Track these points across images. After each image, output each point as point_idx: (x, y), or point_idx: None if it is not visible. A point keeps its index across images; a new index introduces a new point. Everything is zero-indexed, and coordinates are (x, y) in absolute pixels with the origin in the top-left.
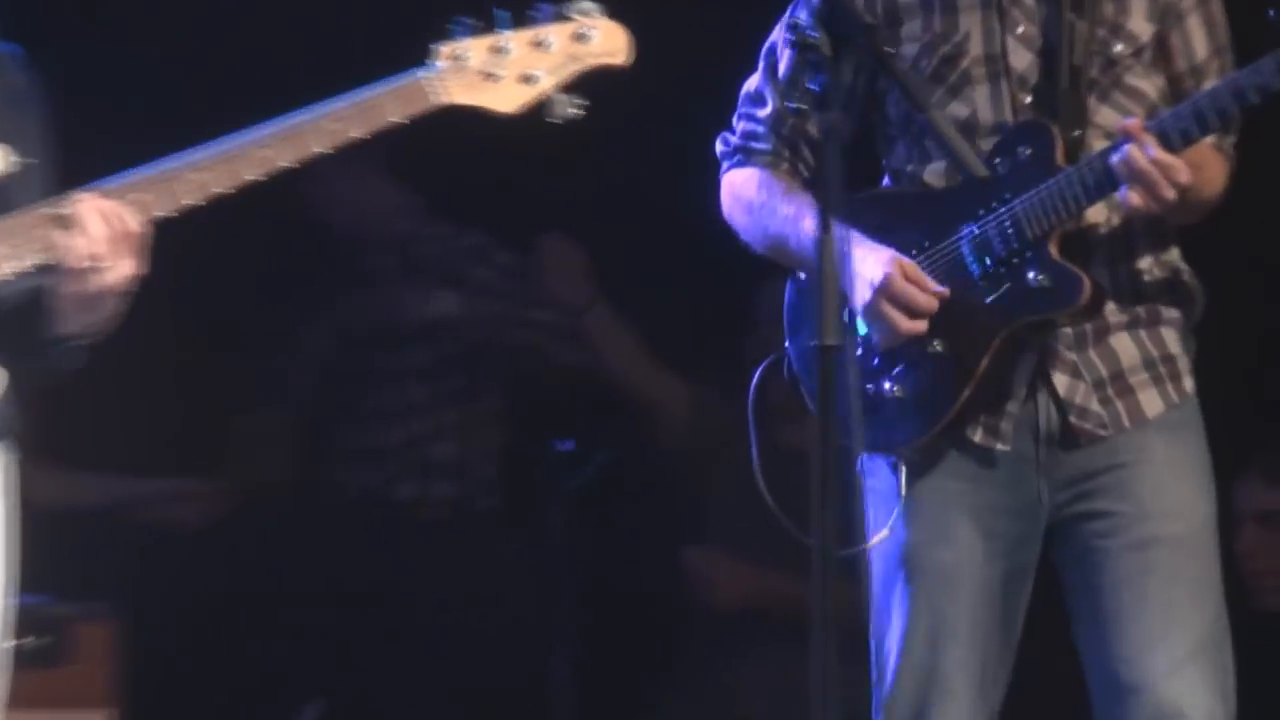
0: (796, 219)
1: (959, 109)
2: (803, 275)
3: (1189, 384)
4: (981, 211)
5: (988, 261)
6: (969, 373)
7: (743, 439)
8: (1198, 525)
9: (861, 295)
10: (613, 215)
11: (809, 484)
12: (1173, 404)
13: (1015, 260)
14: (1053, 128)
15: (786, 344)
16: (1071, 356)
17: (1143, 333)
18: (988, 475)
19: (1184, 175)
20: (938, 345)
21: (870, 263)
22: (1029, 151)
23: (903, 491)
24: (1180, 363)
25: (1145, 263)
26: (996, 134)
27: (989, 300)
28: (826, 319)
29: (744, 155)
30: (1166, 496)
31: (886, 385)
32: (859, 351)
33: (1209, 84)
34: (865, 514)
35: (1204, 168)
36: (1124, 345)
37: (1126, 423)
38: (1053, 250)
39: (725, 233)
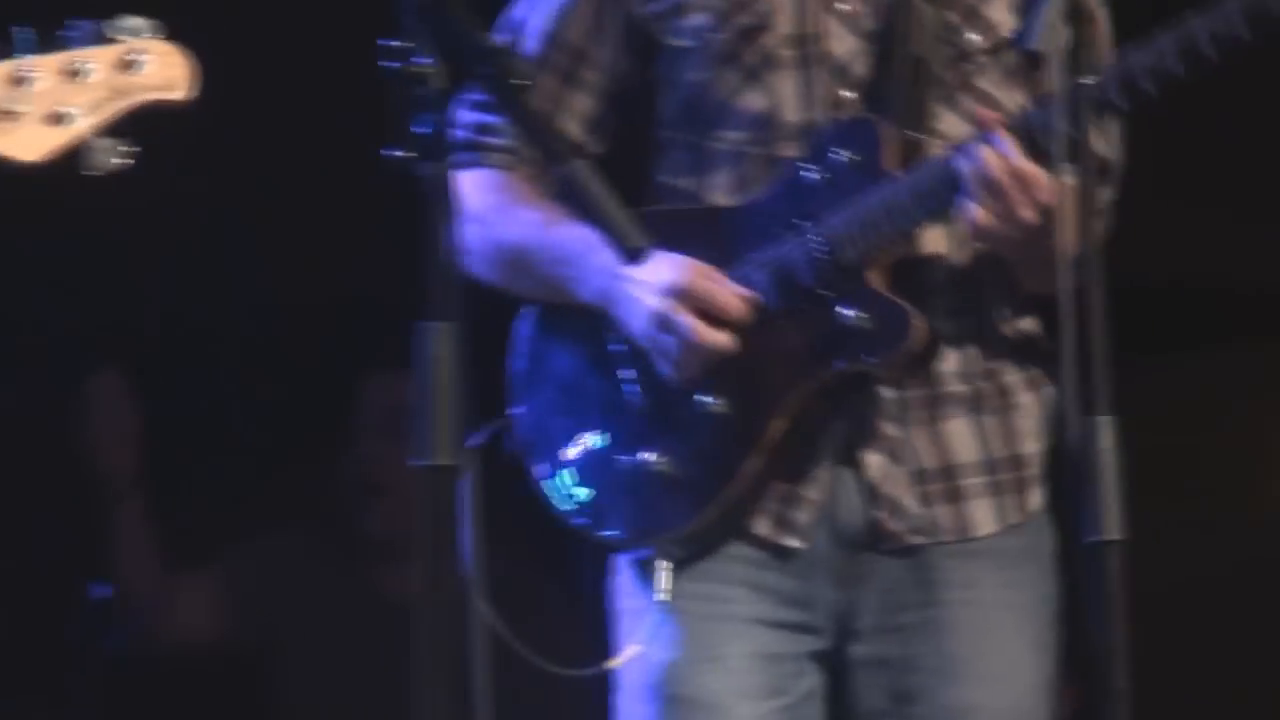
0: (544, 224)
1: (754, 100)
2: (536, 311)
3: (1037, 498)
4: (784, 232)
5: (790, 294)
6: (756, 440)
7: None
8: (1023, 697)
9: (643, 306)
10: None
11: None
12: (1012, 525)
13: (826, 293)
14: (881, 125)
15: (515, 409)
16: (892, 432)
17: (987, 419)
18: (773, 581)
19: (1047, 192)
20: (718, 402)
21: (653, 268)
22: (849, 156)
23: (660, 598)
24: (1029, 468)
25: (1000, 319)
26: (803, 136)
27: (789, 344)
28: (440, 431)
29: (474, 153)
30: (990, 655)
31: (647, 455)
32: (615, 411)
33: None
34: (615, 625)
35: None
36: (960, 432)
37: (948, 536)
38: (875, 281)
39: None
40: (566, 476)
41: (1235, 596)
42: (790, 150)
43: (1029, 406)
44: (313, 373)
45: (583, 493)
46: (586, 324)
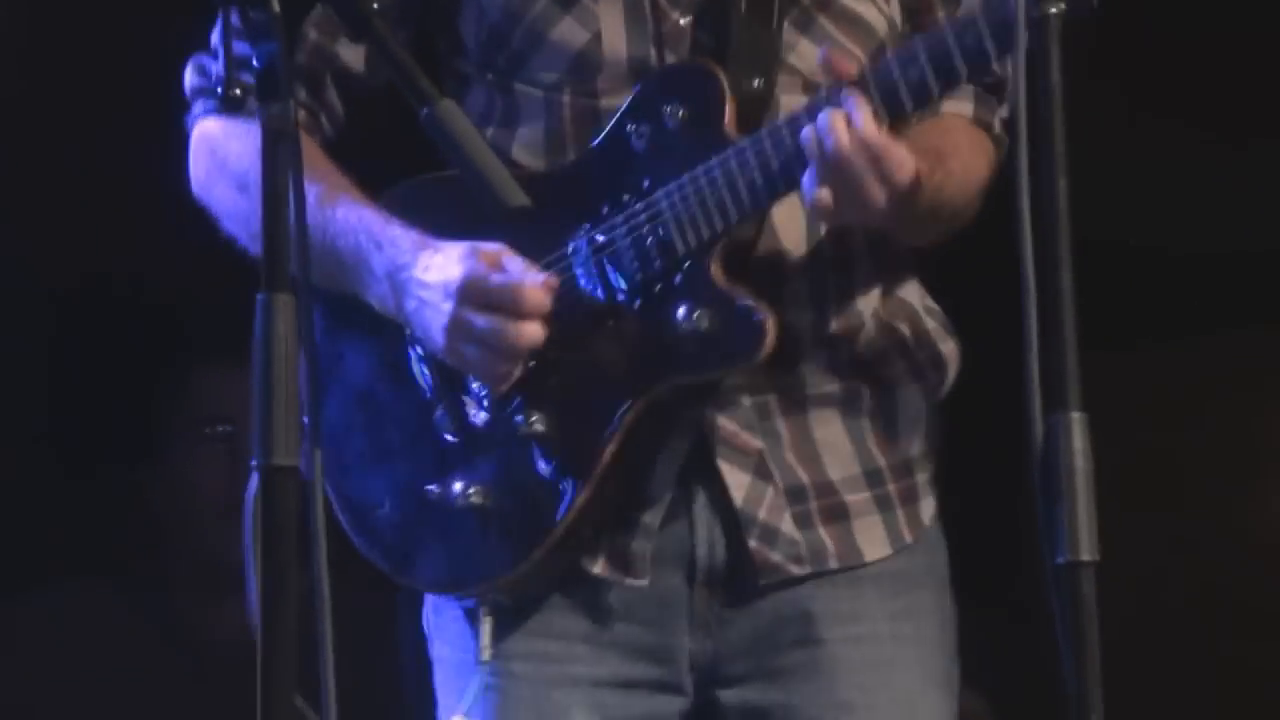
0: (320, 201)
1: (572, 32)
2: (321, 298)
3: (930, 509)
4: (606, 208)
5: (616, 288)
6: (585, 465)
7: None
8: None
9: (434, 313)
10: None
11: None
12: (903, 544)
13: (657, 287)
14: (720, 75)
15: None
16: (754, 444)
17: (865, 421)
18: (620, 633)
19: (904, 170)
20: (538, 423)
21: (438, 266)
22: (682, 113)
23: (484, 657)
24: (919, 474)
25: (868, 302)
26: (630, 78)
27: (617, 351)
28: (277, 429)
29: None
30: (884, 698)
31: (458, 486)
32: (420, 431)
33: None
34: (433, 690)
35: (954, 155)
36: (835, 440)
37: (833, 563)
38: (715, 272)
39: None
40: (363, 506)
41: (1218, 621)
42: (615, 98)
43: (912, 400)
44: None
45: (384, 528)
46: (383, 321)
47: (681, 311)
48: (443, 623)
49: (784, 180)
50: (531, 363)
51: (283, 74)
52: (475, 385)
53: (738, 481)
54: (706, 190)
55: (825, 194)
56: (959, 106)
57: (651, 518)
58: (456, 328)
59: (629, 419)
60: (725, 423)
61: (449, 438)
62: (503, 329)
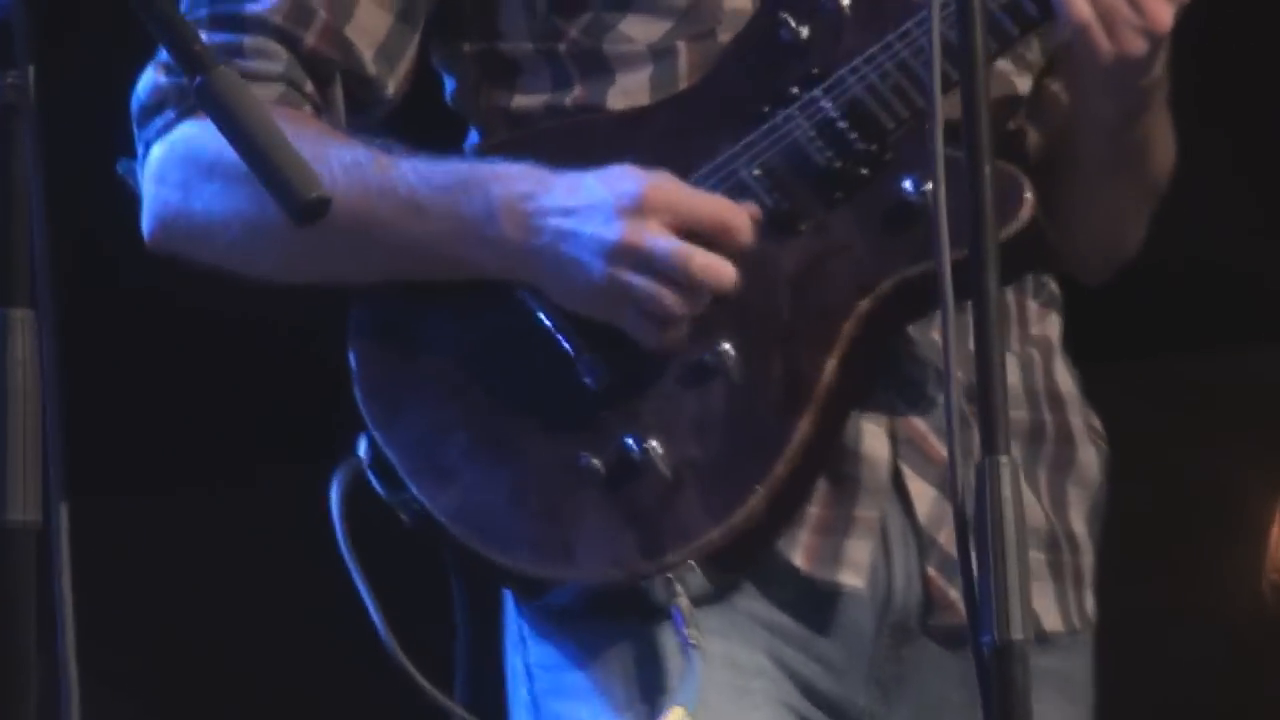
0: (373, 166)
1: None
2: (381, 293)
3: (1090, 605)
4: (767, 108)
5: (807, 186)
6: (802, 387)
7: None
8: None
9: (588, 245)
10: None
11: None
12: (1073, 628)
13: (863, 170)
14: None
15: (372, 433)
16: (943, 452)
17: (1043, 473)
18: (800, 664)
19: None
20: (728, 350)
21: (592, 186)
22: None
23: (694, 639)
24: (1084, 556)
25: (1055, 322)
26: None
27: (820, 255)
28: None
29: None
30: None
31: (631, 445)
32: (557, 403)
33: None
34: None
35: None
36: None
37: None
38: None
39: None
40: (483, 510)
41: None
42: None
43: (1089, 463)
44: None
45: (523, 525)
46: (479, 292)
47: (909, 184)
48: (602, 624)
49: (1017, 20)
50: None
51: (20, 32)
52: (639, 331)
53: (926, 496)
54: (907, 53)
55: (1096, 36)
56: None
57: (862, 505)
58: (627, 252)
59: (847, 329)
60: (915, 421)
61: (596, 394)
62: (694, 259)
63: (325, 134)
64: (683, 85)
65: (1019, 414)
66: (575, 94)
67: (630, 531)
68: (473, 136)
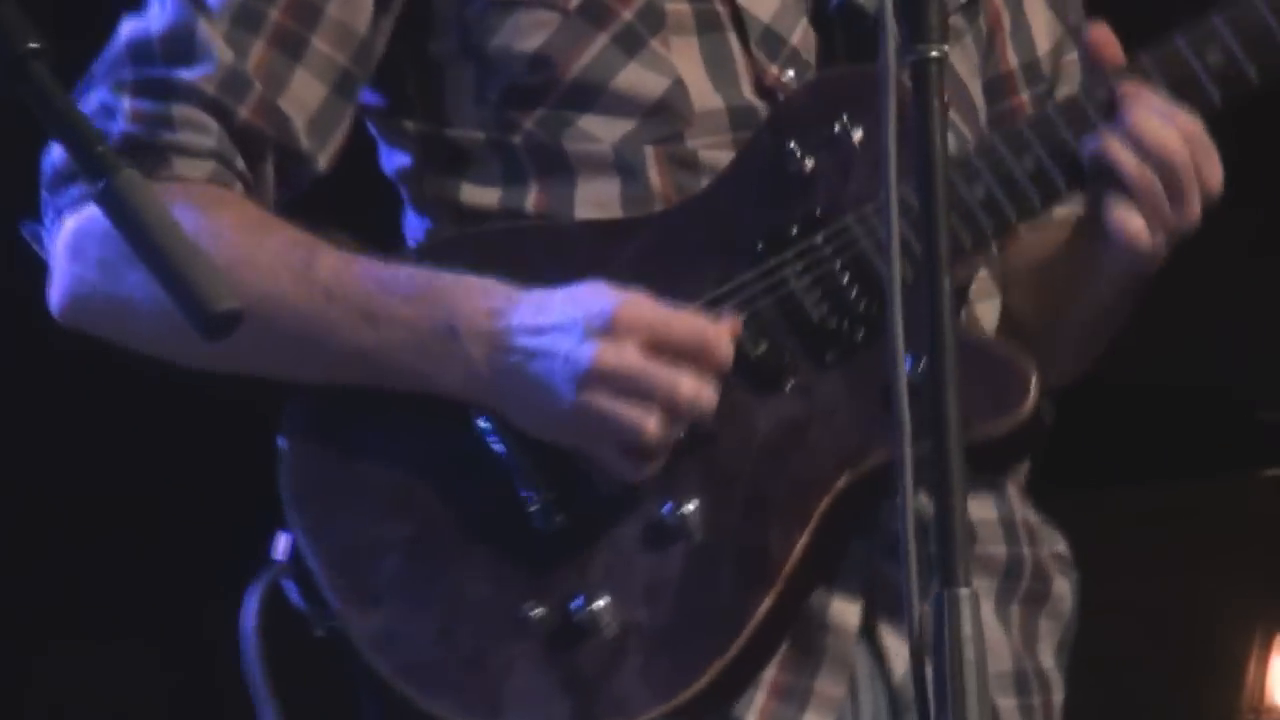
0: (333, 270)
1: (642, 80)
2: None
3: None
4: (761, 246)
5: (796, 340)
6: (767, 562)
7: None
8: None
9: (560, 367)
10: None
11: None
12: None
13: (860, 334)
14: (905, 81)
15: (296, 536)
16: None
17: (1016, 608)
18: None
19: (1217, 168)
20: (693, 511)
21: (563, 304)
22: (860, 131)
23: None
24: (1055, 694)
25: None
26: (733, 130)
27: (803, 418)
28: None
29: (151, 159)
30: None
31: (575, 602)
32: (500, 538)
33: (1063, 91)
34: None
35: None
36: (987, 616)
37: None
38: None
39: None
40: (409, 644)
41: None
42: (717, 152)
43: (1062, 597)
44: None
45: (451, 668)
46: (430, 408)
47: (908, 361)
48: None
49: (1040, 193)
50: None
51: None
52: (609, 462)
53: (897, 650)
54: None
55: (1134, 217)
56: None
57: (822, 677)
58: (602, 376)
59: (823, 506)
60: (894, 573)
61: (547, 538)
62: (676, 382)
63: (267, 226)
64: (656, 200)
65: (997, 549)
66: (534, 196)
67: (566, 696)
68: (413, 220)
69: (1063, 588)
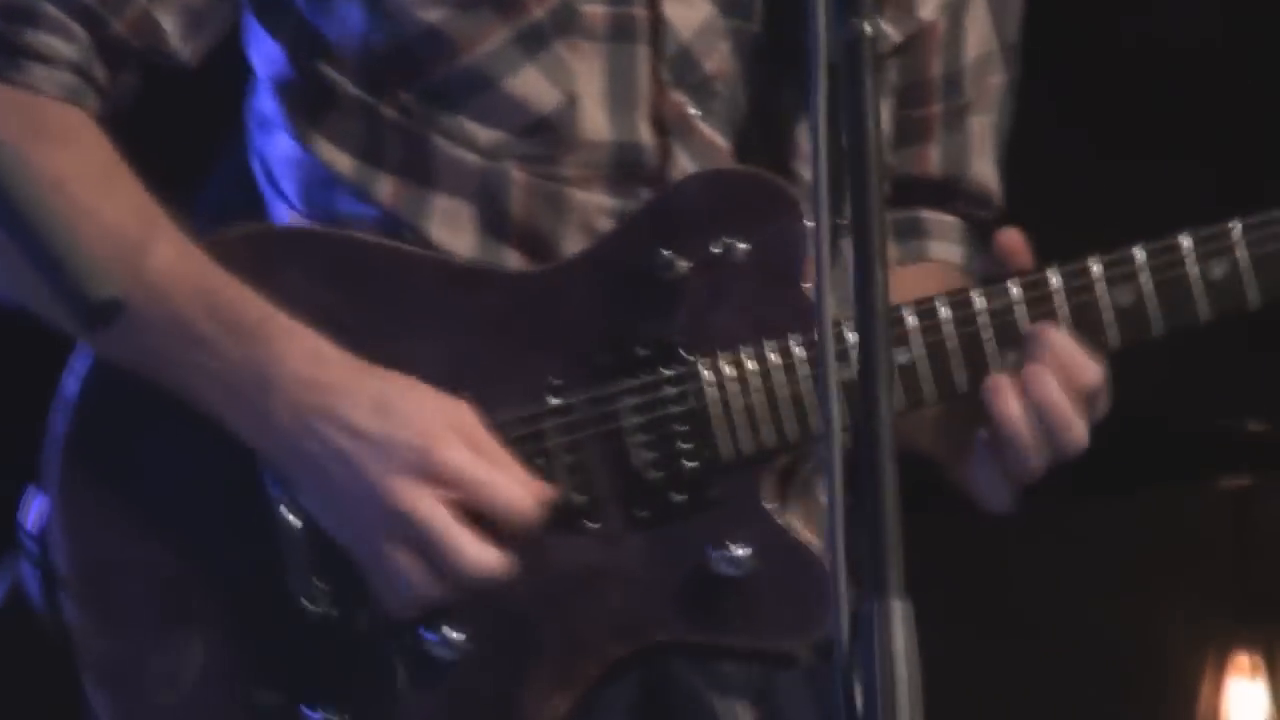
0: (166, 263)
1: (537, 89)
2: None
3: None
4: (608, 359)
5: (611, 487)
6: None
7: None
8: None
9: (362, 491)
10: None
11: None
12: None
13: (675, 498)
14: (800, 205)
15: (52, 520)
16: (728, 706)
17: None
18: None
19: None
20: (458, 643)
21: (391, 413)
22: (743, 248)
23: None
24: None
25: None
26: (613, 169)
27: (593, 575)
28: None
29: (6, 57)
30: None
31: (312, 710)
32: (254, 606)
33: (979, 119)
34: None
35: None
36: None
37: None
38: (768, 496)
39: None
40: (133, 683)
41: None
42: (590, 190)
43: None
44: None
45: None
46: (225, 440)
47: (712, 544)
48: None
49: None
50: None
51: None
52: (389, 592)
53: None
54: (782, 379)
55: (1018, 451)
56: (948, 251)
57: None
58: (393, 517)
59: (592, 672)
60: (682, 672)
61: (305, 626)
62: (469, 551)
63: (110, 183)
64: (512, 234)
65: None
66: (389, 189)
67: None
68: (263, 108)
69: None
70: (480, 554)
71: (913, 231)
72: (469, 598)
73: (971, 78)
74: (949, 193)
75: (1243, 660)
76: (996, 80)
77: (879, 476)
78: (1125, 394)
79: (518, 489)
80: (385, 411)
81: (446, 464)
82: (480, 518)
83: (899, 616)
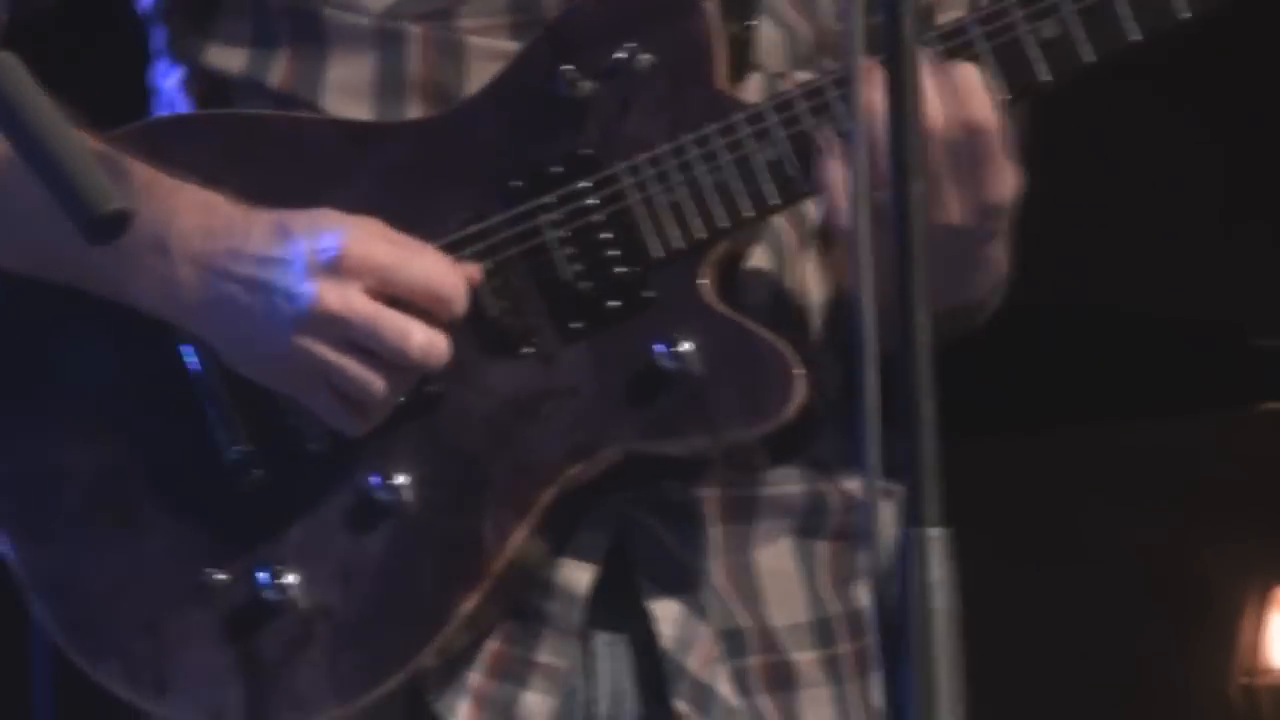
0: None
1: None
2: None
3: (878, 689)
4: (521, 183)
5: (542, 301)
6: (474, 558)
7: None
8: None
9: (276, 306)
10: None
11: None
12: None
13: (611, 303)
14: (701, 4)
15: None
16: (687, 560)
17: (820, 547)
18: None
19: (1004, 183)
20: (404, 487)
21: (285, 233)
22: (645, 56)
23: None
24: (870, 634)
25: (835, 375)
26: (512, 12)
27: (537, 393)
28: None
29: None
30: None
31: (261, 574)
32: (191, 487)
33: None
34: None
35: None
36: (783, 570)
37: None
38: (707, 290)
39: None
40: (79, 595)
41: None
42: (491, 38)
43: (882, 525)
44: None
45: (121, 631)
46: (131, 316)
47: (658, 343)
48: None
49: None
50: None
51: None
52: (303, 416)
53: (670, 614)
54: (703, 168)
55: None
56: None
57: (543, 651)
58: (325, 320)
59: (546, 498)
60: (652, 523)
61: (241, 496)
62: (405, 333)
63: None
64: (412, 92)
65: (792, 488)
66: (282, 67)
67: (239, 684)
68: (163, 68)
69: (883, 514)
70: (424, 333)
71: None
72: (400, 432)
73: None
74: None
75: None
76: None
77: (916, 399)
78: (1181, 311)
79: (443, 266)
80: (286, 232)
81: (365, 255)
82: (410, 306)
83: (936, 545)
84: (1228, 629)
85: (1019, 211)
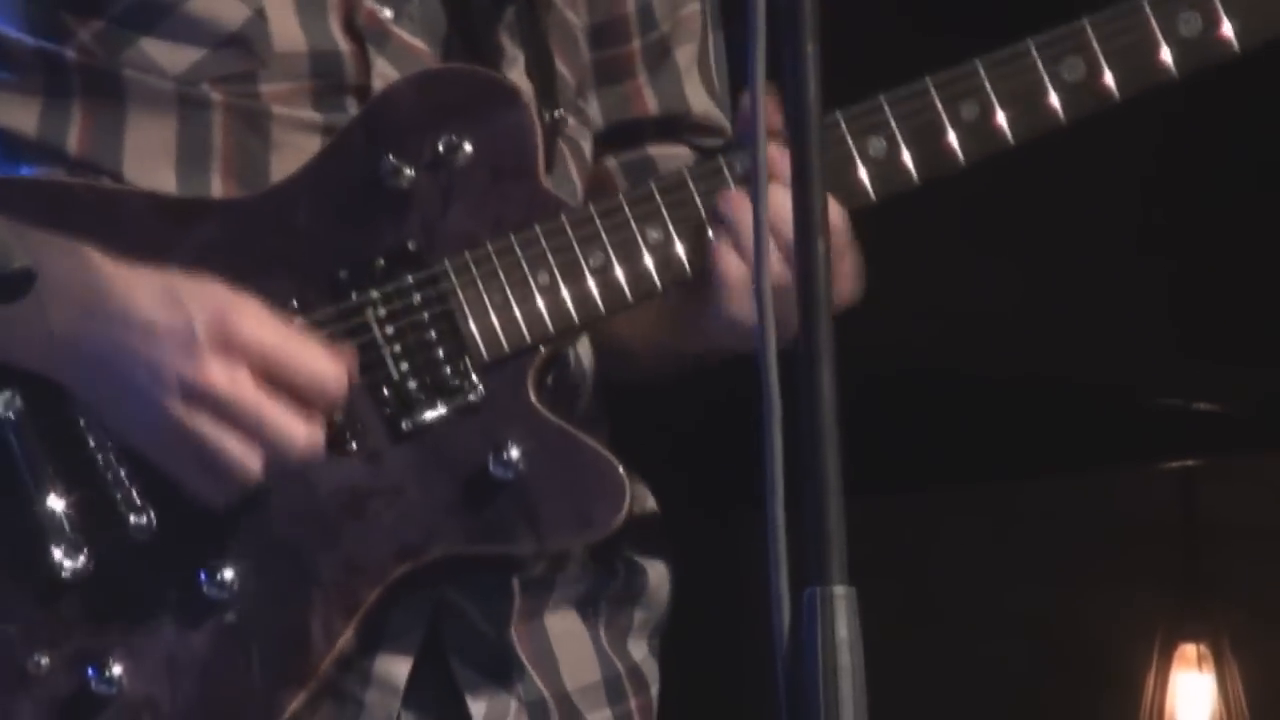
0: None
1: (223, 6)
2: None
3: None
4: (344, 274)
5: (410, 370)
6: (300, 658)
7: None
8: None
9: (173, 369)
10: None
11: None
12: None
13: (438, 408)
14: (524, 97)
15: None
16: (484, 629)
17: (602, 607)
18: None
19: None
20: (232, 583)
21: (194, 301)
22: (468, 148)
23: None
24: (652, 686)
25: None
26: (314, 80)
27: (365, 493)
28: None
29: None
30: None
31: (90, 667)
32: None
33: (683, 49)
34: None
35: None
36: (572, 632)
37: None
38: (533, 395)
39: None
40: None
41: None
42: (293, 106)
43: (661, 582)
44: None
45: None
46: None
47: (487, 448)
48: None
49: (684, 271)
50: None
51: None
52: (141, 488)
53: (479, 695)
54: (529, 271)
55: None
56: None
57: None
58: (207, 399)
59: (372, 597)
60: (463, 604)
61: (72, 576)
62: (289, 427)
63: None
64: (214, 161)
65: (583, 558)
66: (78, 129)
67: None
68: None
69: (658, 573)
70: (307, 432)
71: (644, 170)
72: (233, 525)
73: (663, 9)
74: (672, 127)
75: (1189, 651)
76: (691, 10)
77: (821, 460)
78: (1072, 373)
79: (326, 358)
80: (173, 298)
81: (254, 337)
82: (291, 391)
83: (842, 603)
84: (1132, 686)
85: (916, 281)
